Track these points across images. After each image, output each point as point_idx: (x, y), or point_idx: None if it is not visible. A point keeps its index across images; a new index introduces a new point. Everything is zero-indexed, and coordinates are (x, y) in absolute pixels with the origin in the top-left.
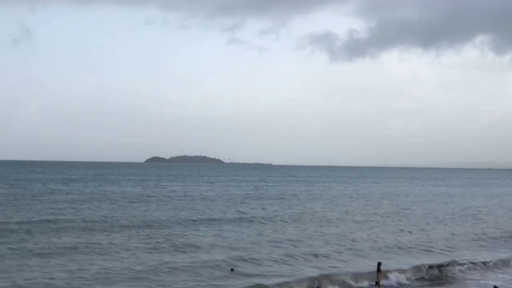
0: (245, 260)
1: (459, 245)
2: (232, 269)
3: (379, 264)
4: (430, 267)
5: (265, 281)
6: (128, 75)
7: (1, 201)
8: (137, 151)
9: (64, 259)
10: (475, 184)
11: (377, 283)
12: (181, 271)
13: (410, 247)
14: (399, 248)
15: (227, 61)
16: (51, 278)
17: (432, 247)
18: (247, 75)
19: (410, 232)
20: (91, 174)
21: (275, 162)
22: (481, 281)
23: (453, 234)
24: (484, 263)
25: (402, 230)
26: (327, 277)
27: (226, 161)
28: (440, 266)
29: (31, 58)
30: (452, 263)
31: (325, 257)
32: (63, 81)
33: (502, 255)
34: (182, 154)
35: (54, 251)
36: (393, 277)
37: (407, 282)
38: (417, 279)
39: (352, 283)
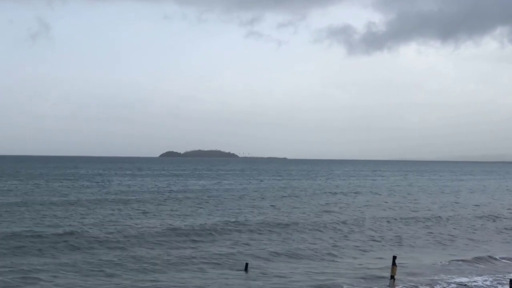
0: None
1: None
2: (246, 264)
3: (394, 258)
4: None
5: None
6: (145, 70)
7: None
8: (151, 146)
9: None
10: None
11: (392, 276)
12: None
13: None
14: None
15: (245, 54)
16: None
17: None
18: (264, 69)
19: None
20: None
21: (290, 156)
22: None
23: None
24: None
25: None
26: None
27: (240, 155)
28: None
29: (49, 52)
30: None
31: None
32: (80, 75)
33: None
34: (197, 148)
35: None
36: None
37: None
38: None
39: None
